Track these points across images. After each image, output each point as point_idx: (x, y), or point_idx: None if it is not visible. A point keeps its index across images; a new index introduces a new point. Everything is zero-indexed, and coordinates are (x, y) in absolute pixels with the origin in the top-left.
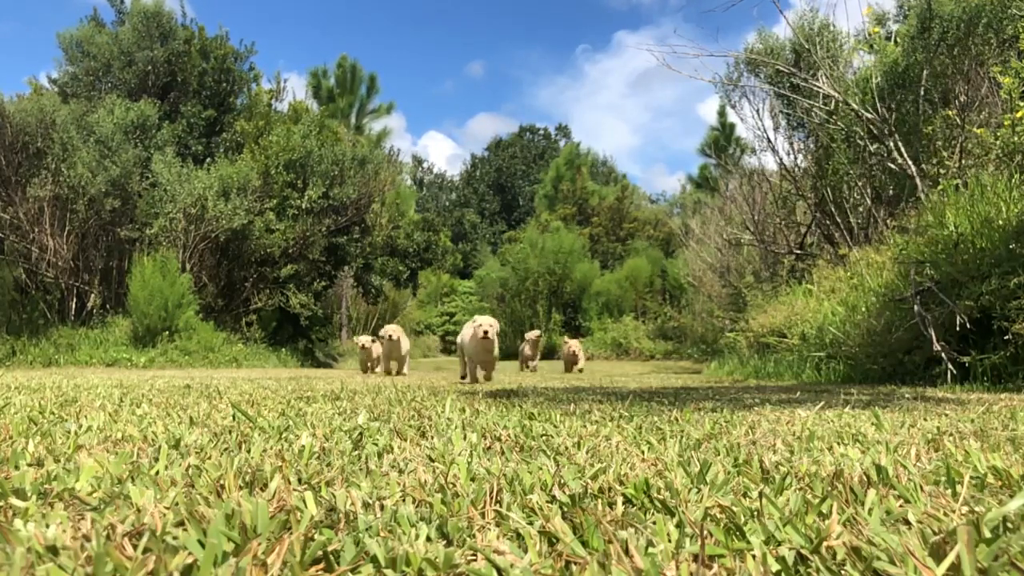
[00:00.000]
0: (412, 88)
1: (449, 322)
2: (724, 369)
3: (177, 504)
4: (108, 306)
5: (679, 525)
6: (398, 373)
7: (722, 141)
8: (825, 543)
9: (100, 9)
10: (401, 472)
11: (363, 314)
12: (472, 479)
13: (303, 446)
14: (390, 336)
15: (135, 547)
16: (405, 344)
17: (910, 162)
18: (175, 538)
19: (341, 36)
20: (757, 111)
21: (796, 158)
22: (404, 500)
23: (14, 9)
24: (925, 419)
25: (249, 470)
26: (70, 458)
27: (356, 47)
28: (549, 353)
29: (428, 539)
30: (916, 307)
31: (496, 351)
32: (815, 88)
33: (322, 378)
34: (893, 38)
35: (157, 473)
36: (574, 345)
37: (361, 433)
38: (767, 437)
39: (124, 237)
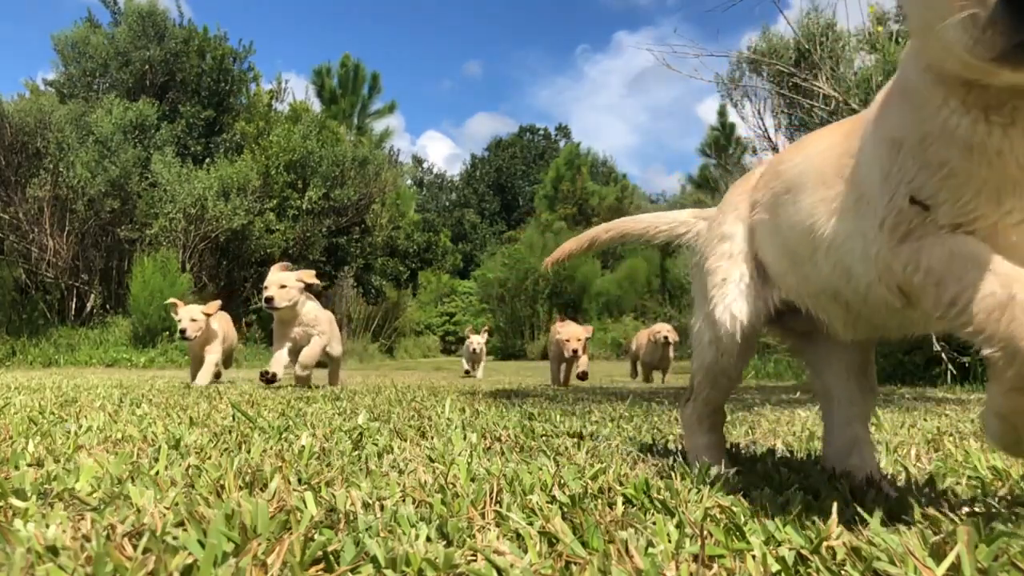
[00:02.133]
0: (409, 87)
1: (449, 322)
2: None
3: (177, 504)
4: (108, 306)
5: (679, 525)
6: (302, 372)
7: (722, 141)
8: (825, 543)
9: (94, 10)
10: (401, 472)
11: (364, 315)
12: (472, 479)
13: (303, 446)
14: (269, 300)
15: (135, 547)
16: (321, 319)
17: None
18: (175, 538)
19: (337, 35)
20: (758, 110)
21: None
22: (404, 500)
23: (6, 10)
24: (925, 419)
25: (249, 470)
26: (70, 458)
27: (352, 46)
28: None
29: (428, 539)
30: None
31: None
32: (816, 88)
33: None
34: (895, 37)
35: (157, 473)
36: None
37: (361, 433)
38: (767, 437)
39: (124, 237)
